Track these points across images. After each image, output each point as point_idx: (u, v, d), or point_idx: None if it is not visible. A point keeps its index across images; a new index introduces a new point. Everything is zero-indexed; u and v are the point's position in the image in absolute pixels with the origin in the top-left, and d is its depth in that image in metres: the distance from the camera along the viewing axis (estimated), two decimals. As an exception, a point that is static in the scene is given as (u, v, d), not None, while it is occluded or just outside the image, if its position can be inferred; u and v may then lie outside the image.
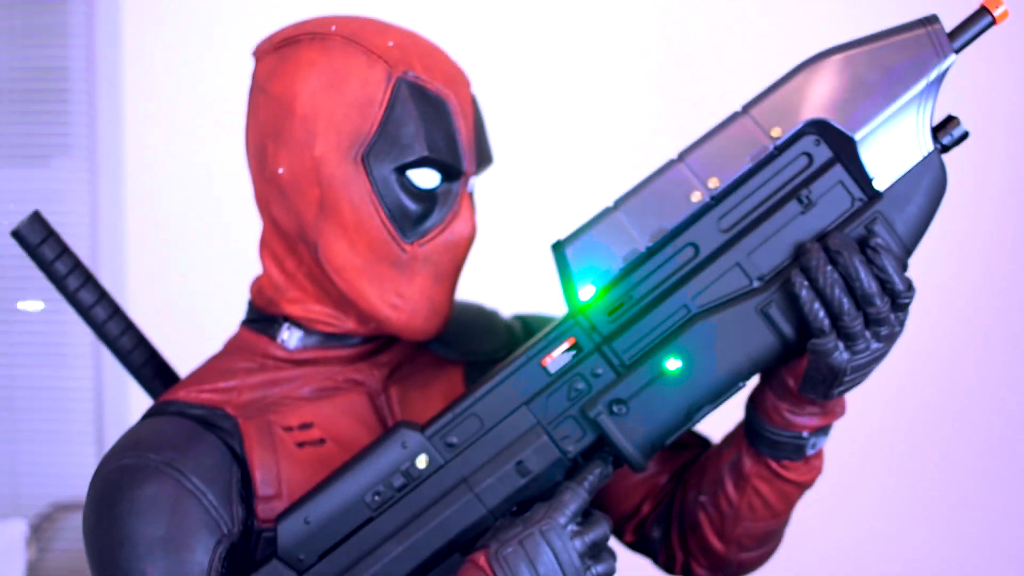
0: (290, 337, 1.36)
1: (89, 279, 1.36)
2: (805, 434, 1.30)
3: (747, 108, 1.21)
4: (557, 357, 1.24)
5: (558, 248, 1.22)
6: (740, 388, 1.21)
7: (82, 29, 3.05)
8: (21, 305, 3.11)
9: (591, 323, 1.22)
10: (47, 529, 3.05)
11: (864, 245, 1.15)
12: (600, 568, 1.16)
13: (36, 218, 1.32)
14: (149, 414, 1.34)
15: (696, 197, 1.20)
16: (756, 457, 1.35)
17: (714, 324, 1.19)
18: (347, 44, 1.28)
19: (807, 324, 1.16)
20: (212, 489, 1.25)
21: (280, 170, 1.29)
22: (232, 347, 1.41)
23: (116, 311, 1.38)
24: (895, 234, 1.17)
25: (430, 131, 1.27)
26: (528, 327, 1.56)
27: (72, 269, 1.34)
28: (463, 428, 1.25)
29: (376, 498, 1.24)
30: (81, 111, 3.06)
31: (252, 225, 2.96)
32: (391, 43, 1.28)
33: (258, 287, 1.39)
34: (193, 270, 2.95)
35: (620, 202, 1.22)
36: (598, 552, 1.18)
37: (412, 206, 1.29)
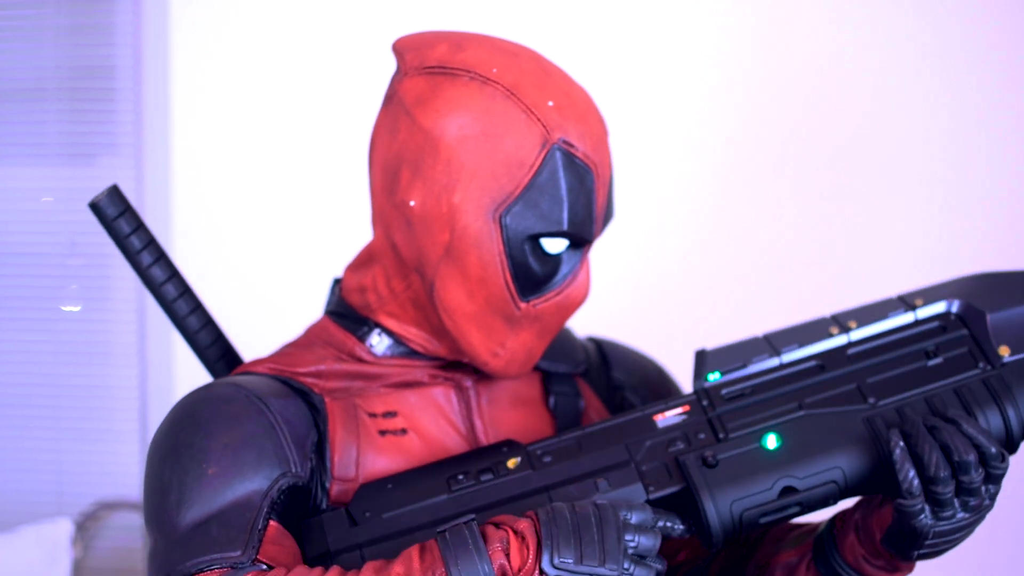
0: (379, 343, 1.37)
1: (162, 256, 1.36)
2: None
3: (900, 296, 1.33)
4: (669, 416, 1.29)
5: (701, 353, 1.32)
6: (829, 501, 1.23)
7: (129, 28, 3.06)
8: (63, 307, 3.12)
9: (710, 399, 1.29)
10: (91, 528, 3.06)
11: (965, 414, 1.19)
12: (640, 570, 1.13)
13: (114, 191, 1.32)
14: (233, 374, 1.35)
15: (835, 331, 1.31)
16: (814, 572, 1.37)
17: (819, 418, 1.25)
18: (508, 97, 1.26)
19: (897, 484, 1.18)
20: (289, 431, 1.25)
21: (412, 203, 1.28)
22: (315, 337, 1.40)
23: (186, 290, 1.38)
24: (1012, 397, 1.23)
25: (573, 204, 1.27)
26: (600, 348, 1.58)
27: (146, 245, 1.34)
28: (561, 451, 1.28)
29: (459, 479, 1.26)
30: (128, 110, 3.07)
31: (298, 223, 2.98)
32: (551, 103, 1.27)
33: (359, 286, 1.38)
34: (240, 268, 2.96)
35: (767, 333, 1.33)
36: (642, 557, 1.15)
37: (537, 269, 1.29)
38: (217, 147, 3.00)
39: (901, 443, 1.16)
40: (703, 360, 1.31)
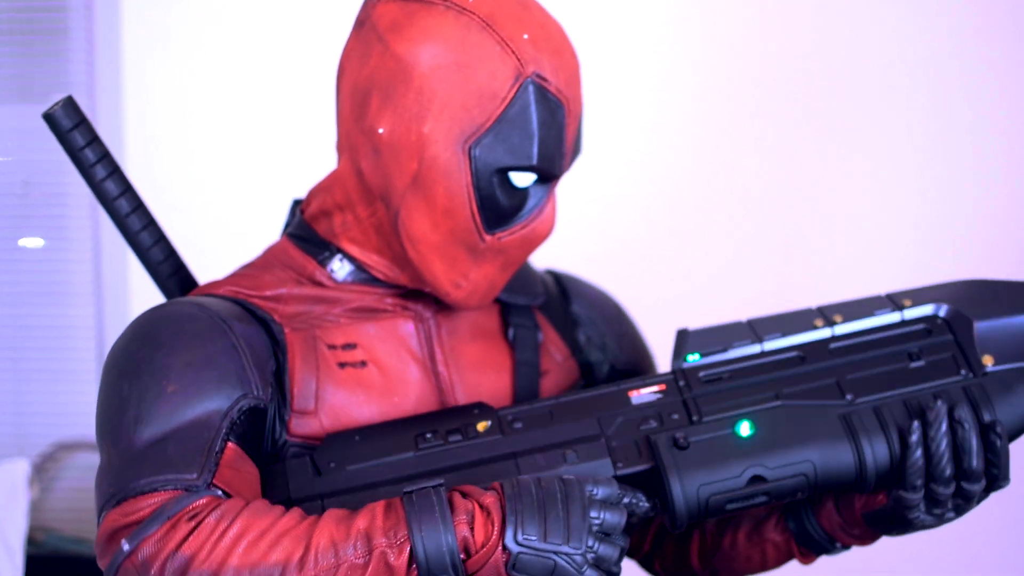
0: (340, 268, 1.36)
1: (116, 171, 1.34)
2: (839, 545, 1.36)
3: (889, 295, 1.34)
4: (644, 394, 1.29)
5: (683, 333, 1.32)
6: (797, 494, 1.23)
7: (80, -35, 3.03)
8: (22, 242, 3.09)
9: (687, 380, 1.29)
10: (50, 468, 3.05)
11: (986, 427, 1.21)
12: (603, 547, 1.13)
13: (69, 103, 1.31)
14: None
15: (819, 323, 1.31)
16: (783, 531, 1.40)
17: (795, 410, 1.25)
18: (483, 29, 1.25)
19: (903, 475, 1.21)
20: (250, 355, 1.24)
21: (380, 130, 1.27)
22: (274, 259, 1.39)
23: (139, 205, 1.37)
24: (990, 405, 1.23)
25: (544, 139, 1.27)
26: (559, 282, 1.58)
27: (101, 158, 1.33)
28: (533, 418, 1.28)
29: (427, 438, 1.26)
30: (79, 48, 3.04)
31: (252, 160, 2.96)
32: (526, 36, 1.26)
33: (322, 210, 1.37)
34: (192, 206, 2.93)
35: (751, 319, 1.33)
36: (608, 534, 1.15)
37: (504, 202, 1.29)
38: (171, 79, 2.98)
39: (918, 435, 1.19)
40: (684, 340, 1.32)
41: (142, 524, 1.10)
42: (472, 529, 1.11)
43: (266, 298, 1.33)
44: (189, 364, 1.20)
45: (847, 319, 1.31)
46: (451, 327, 1.40)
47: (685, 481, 1.20)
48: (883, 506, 1.24)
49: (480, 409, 1.30)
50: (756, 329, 1.31)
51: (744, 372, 1.29)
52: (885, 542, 2.50)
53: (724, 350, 1.30)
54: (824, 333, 1.30)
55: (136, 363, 1.21)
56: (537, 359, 1.45)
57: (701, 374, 1.29)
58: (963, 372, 1.26)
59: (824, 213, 2.80)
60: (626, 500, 1.20)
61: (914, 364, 1.27)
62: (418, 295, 1.38)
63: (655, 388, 1.29)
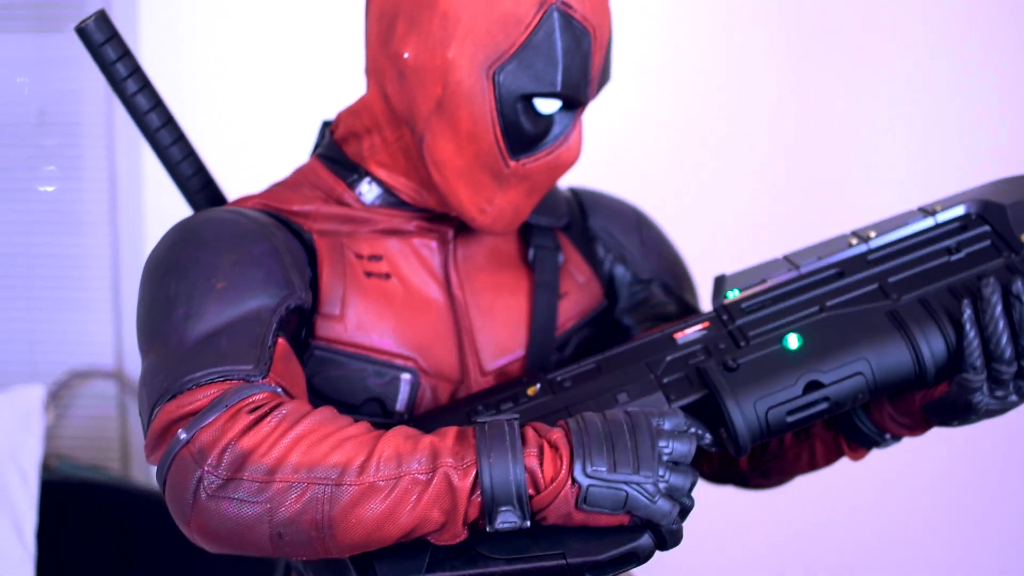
0: (369, 191, 1.37)
1: (147, 85, 1.35)
2: (888, 436, 1.35)
3: (920, 207, 1.31)
4: (689, 334, 1.29)
5: (720, 278, 1.31)
6: (858, 397, 1.21)
7: None
8: (40, 187, 3.10)
9: (729, 313, 1.28)
10: (64, 396, 3.07)
11: None
12: (675, 476, 1.10)
13: (102, 17, 1.31)
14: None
15: (854, 242, 1.29)
16: (831, 428, 1.39)
17: (840, 317, 1.24)
18: None
19: (962, 355, 1.18)
20: (290, 258, 1.26)
21: (406, 55, 1.28)
22: (303, 179, 1.40)
23: (170, 120, 1.38)
24: None
25: (568, 66, 1.26)
26: (578, 198, 1.58)
27: (132, 72, 1.34)
28: (581, 375, 1.28)
29: (479, 409, 1.27)
30: (97, -23, 3.03)
31: (280, 82, 2.94)
32: None
33: (350, 131, 1.38)
34: (217, 129, 2.92)
35: (787, 254, 1.32)
36: (677, 463, 1.12)
37: (528, 129, 1.29)
38: (184, 8, 2.97)
39: (969, 311, 1.17)
40: (722, 283, 1.31)
41: (200, 412, 1.08)
42: (541, 464, 1.08)
43: (295, 213, 1.34)
44: (236, 263, 1.20)
45: (881, 233, 1.29)
46: (468, 252, 1.42)
47: (741, 399, 1.19)
48: (945, 394, 1.22)
49: (529, 377, 1.31)
50: (792, 260, 1.30)
51: (786, 295, 1.28)
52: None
53: (763, 282, 1.29)
54: (860, 249, 1.29)
55: (182, 263, 1.20)
56: (556, 281, 1.46)
57: (743, 305, 1.28)
58: (1005, 254, 1.24)
59: (850, 145, 2.80)
60: (692, 426, 1.21)
61: (954, 257, 1.25)
62: (443, 219, 1.39)
63: (699, 327, 1.28)
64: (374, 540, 1.07)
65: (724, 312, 1.28)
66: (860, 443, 1.37)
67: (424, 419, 1.29)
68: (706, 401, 1.22)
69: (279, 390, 1.12)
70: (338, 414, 1.11)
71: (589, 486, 1.07)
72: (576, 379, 1.28)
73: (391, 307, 1.34)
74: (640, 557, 1.11)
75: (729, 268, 1.41)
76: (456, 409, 1.30)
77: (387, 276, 1.35)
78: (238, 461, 1.05)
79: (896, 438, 1.35)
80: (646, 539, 1.11)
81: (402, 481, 1.06)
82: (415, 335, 1.35)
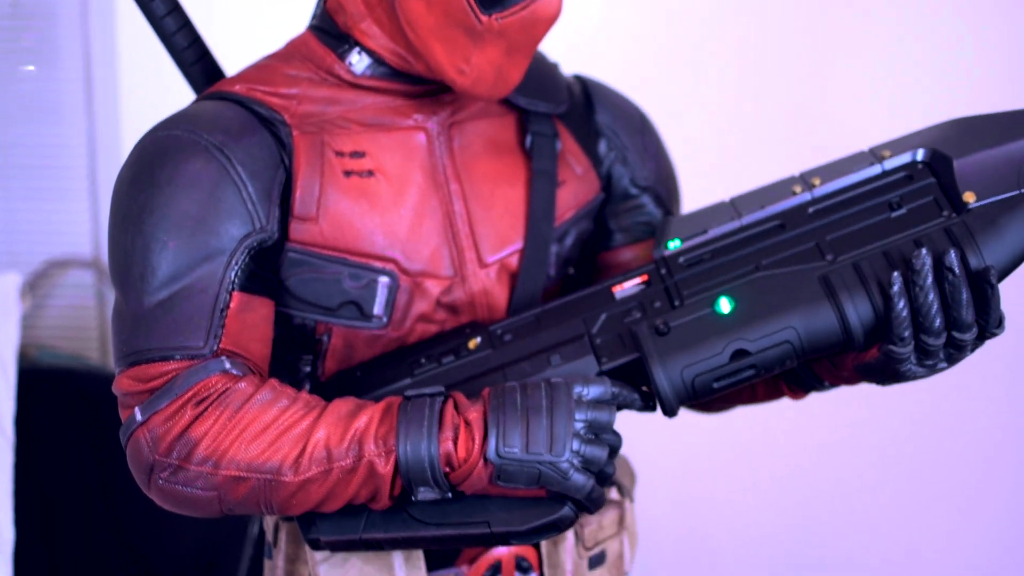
0: (359, 62, 1.35)
1: None
2: (827, 383, 1.35)
3: (871, 148, 1.29)
4: (628, 288, 1.30)
5: (664, 220, 1.32)
6: (784, 362, 1.22)
7: None
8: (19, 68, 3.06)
9: (668, 267, 1.28)
10: (42, 286, 3.06)
11: (976, 275, 1.16)
12: (590, 449, 1.16)
13: None
14: (204, 98, 1.33)
15: (798, 189, 1.28)
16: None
17: (772, 277, 1.23)
18: None
19: (889, 328, 1.17)
20: (254, 183, 1.25)
21: None
22: (295, 51, 1.38)
23: (176, 7, 1.36)
24: (973, 243, 1.18)
25: None
26: (586, 88, 1.55)
27: None
28: (521, 329, 1.30)
29: (422, 362, 1.29)
30: None
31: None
32: None
33: (338, 0, 1.36)
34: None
35: (733, 197, 1.32)
36: (598, 434, 1.18)
37: None
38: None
39: (899, 285, 1.15)
40: (665, 228, 1.31)
41: (153, 397, 1.19)
42: (456, 444, 1.16)
43: (280, 95, 1.32)
44: (187, 214, 1.22)
45: (826, 180, 1.28)
46: (464, 141, 1.40)
47: (668, 366, 1.20)
48: (873, 360, 1.22)
49: (472, 328, 1.32)
50: (738, 207, 1.30)
51: (724, 249, 1.28)
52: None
53: (704, 232, 1.29)
54: (803, 198, 1.28)
55: (136, 210, 1.23)
56: (555, 169, 1.44)
57: (682, 259, 1.29)
58: (945, 214, 1.22)
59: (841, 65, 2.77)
60: (618, 394, 1.22)
61: (895, 214, 1.24)
62: (434, 108, 1.37)
63: (638, 280, 1.29)
64: (316, 511, 1.22)
65: (663, 265, 1.29)
66: (799, 387, 1.39)
67: (370, 368, 1.31)
68: (637, 363, 1.24)
69: (227, 364, 1.20)
70: (281, 391, 1.20)
71: (502, 465, 1.15)
72: (516, 332, 1.29)
73: (372, 206, 1.32)
74: (561, 527, 1.19)
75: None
76: (401, 359, 1.31)
77: (370, 173, 1.33)
78: (185, 452, 1.17)
79: (833, 385, 1.36)
80: (566, 510, 1.19)
81: (332, 473, 1.17)
82: (398, 235, 1.33)
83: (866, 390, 2.46)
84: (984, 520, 2.83)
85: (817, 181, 1.28)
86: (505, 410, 1.16)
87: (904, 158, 1.27)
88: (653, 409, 1.25)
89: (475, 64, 1.29)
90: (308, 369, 1.35)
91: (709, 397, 1.23)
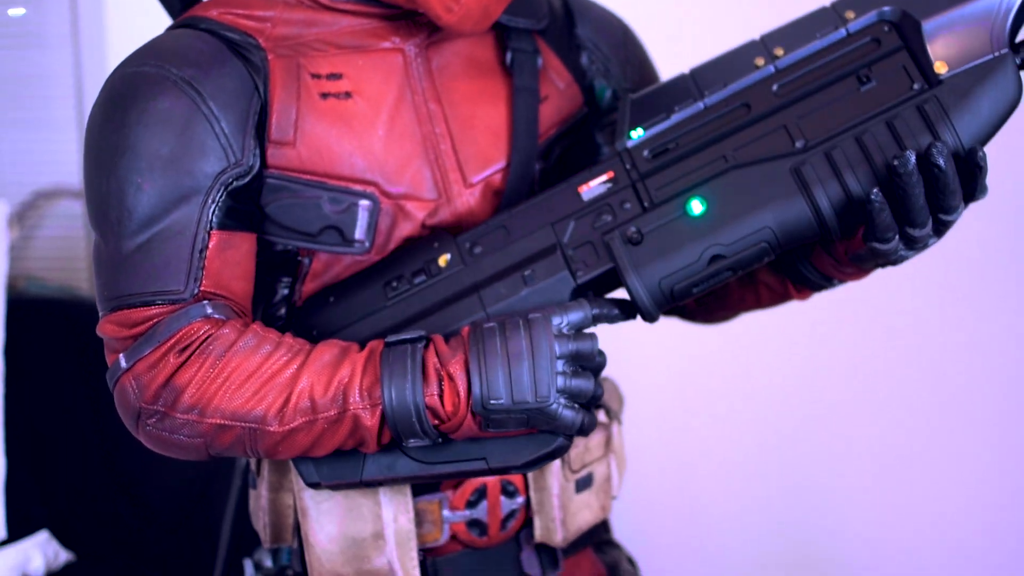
0: None
1: None
2: (835, 280, 1.35)
3: (832, 4, 1.24)
4: (594, 187, 1.27)
5: (624, 102, 1.28)
6: (764, 255, 1.20)
7: None
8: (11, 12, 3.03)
9: (633, 161, 1.25)
10: (31, 217, 3.05)
11: (967, 160, 1.13)
12: (575, 382, 1.16)
13: None
14: (177, 26, 1.31)
15: (760, 62, 1.24)
16: (776, 273, 1.39)
17: (743, 174, 1.20)
18: None
19: (873, 231, 1.15)
20: (227, 116, 1.23)
21: None
22: None
23: None
24: (948, 122, 1.14)
25: None
26: (566, 3, 1.52)
27: None
28: (491, 239, 1.27)
29: (395, 285, 1.27)
30: None
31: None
32: None
33: None
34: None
35: (694, 68, 1.27)
36: (581, 367, 1.18)
37: None
38: None
39: (879, 198, 1.13)
40: (625, 112, 1.28)
41: (136, 343, 1.19)
42: (442, 400, 1.16)
43: (255, 18, 1.29)
44: (160, 155, 1.20)
45: (789, 50, 1.24)
46: (442, 62, 1.37)
47: (645, 277, 1.20)
48: (862, 251, 1.22)
49: (439, 241, 1.29)
50: (698, 81, 1.26)
51: (689, 138, 1.25)
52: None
53: (667, 117, 1.26)
54: (767, 71, 1.24)
55: (108, 152, 1.21)
56: (536, 85, 1.42)
57: (646, 151, 1.26)
58: (916, 85, 1.18)
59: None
60: (599, 312, 1.21)
61: (864, 88, 1.20)
62: (411, 30, 1.35)
63: (604, 177, 1.26)
64: (304, 456, 1.23)
65: (628, 159, 1.26)
66: (806, 287, 1.38)
67: (343, 293, 1.29)
68: (612, 272, 1.23)
69: (209, 309, 1.20)
70: (264, 336, 1.20)
71: (489, 415, 1.15)
72: (485, 244, 1.27)
73: (350, 129, 1.30)
74: (558, 455, 1.21)
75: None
76: (373, 278, 1.29)
77: (347, 95, 1.30)
78: (171, 400, 1.17)
79: (842, 281, 1.36)
80: (561, 440, 1.20)
81: (317, 424, 1.17)
82: (377, 157, 1.31)
83: (858, 312, 2.45)
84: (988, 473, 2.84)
85: (780, 52, 1.24)
86: (486, 359, 1.15)
87: (869, 18, 1.22)
88: (633, 317, 1.25)
89: (464, 3, 1.26)
90: (286, 292, 1.33)
91: (687, 300, 1.23)
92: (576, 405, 1.17)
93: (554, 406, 1.15)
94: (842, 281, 1.35)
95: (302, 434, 1.18)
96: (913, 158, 1.12)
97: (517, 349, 1.15)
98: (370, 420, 1.17)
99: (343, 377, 1.17)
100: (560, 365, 1.16)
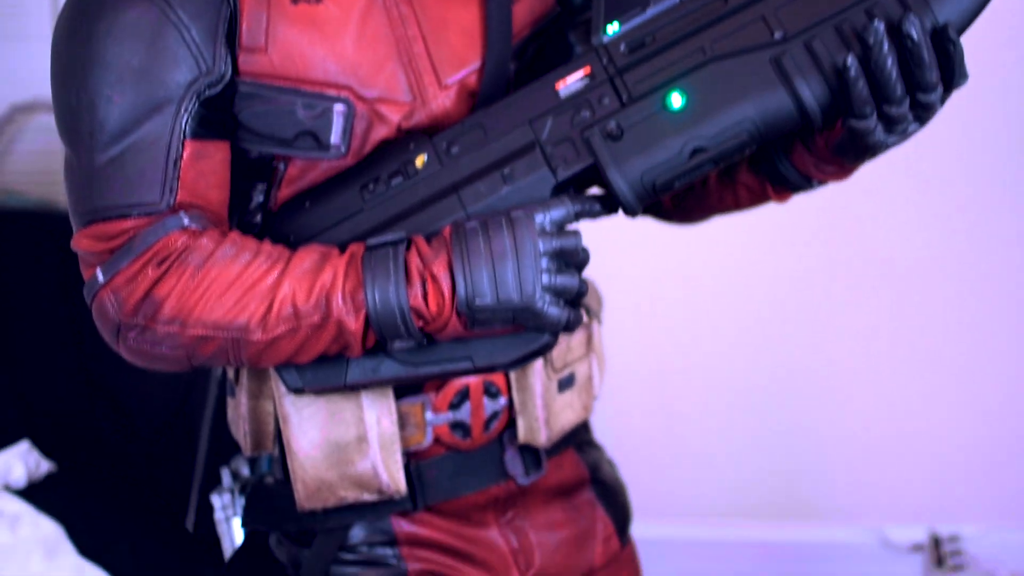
0: None
1: None
2: (815, 182, 1.34)
3: None
4: (571, 83, 1.25)
5: None
6: (746, 146, 1.19)
7: None
8: None
9: (610, 56, 1.23)
10: (8, 132, 3.04)
11: (937, 34, 1.12)
12: (560, 279, 1.17)
13: None
14: None
15: None
16: (756, 174, 1.38)
17: (723, 67, 1.19)
18: None
19: (850, 106, 1.14)
20: (197, 24, 1.22)
21: None
22: None
23: None
24: (928, 10, 1.14)
25: None
26: None
27: None
28: (468, 139, 1.26)
29: (371, 188, 1.26)
30: None
31: None
32: None
33: None
34: None
35: None
36: (566, 264, 1.18)
37: None
38: None
39: (854, 66, 1.13)
40: (599, 5, 1.26)
41: (113, 257, 1.18)
42: (426, 300, 1.17)
43: None
44: (130, 66, 1.19)
45: None
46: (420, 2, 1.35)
47: (626, 173, 1.20)
48: (841, 137, 1.22)
49: (415, 142, 1.28)
50: None
51: (667, 31, 1.23)
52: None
53: (643, 11, 1.25)
54: None
55: (77, 65, 1.20)
56: None
57: (623, 46, 1.24)
58: None
59: None
60: (579, 211, 1.21)
61: None
62: None
63: (580, 73, 1.25)
64: (288, 364, 1.24)
65: (605, 54, 1.25)
66: (785, 187, 1.37)
67: (319, 197, 1.29)
68: (593, 168, 1.22)
69: (186, 220, 1.19)
70: (242, 245, 1.20)
71: (474, 315, 1.16)
72: (463, 144, 1.26)
73: (322, 33, 1.28)
74: (544, 352, 1.22)
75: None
76: (349, 182, 1.29)
77: (318, 0, 1.30)
78: (151, 312, 1.18)
79: (822, 182, 1.35)
80: (546, 338, 1.21)
81: (300, 331, 1.18)
82: (350, 61, 1.30)
83: (852, 218, 2.43)
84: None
85: None
86: (470, 258, 1.16)
87: None
88: (615, 213, 1.25)
89: None
90: (261, 199, 1.33)
91: (669, 193, 1.23)
92: (562, 302, 1.18)
93: (540, 304, 1.16)
94: (822, 182, 1.35)
95: (285, 341, 1.19)
96: (883, 27, 1.12)
97: (501, 248, 1.16)
98: (354, 324, 1.18)
99: (325, 282, 1.18)
100: (544, 263, 1.16)
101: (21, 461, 2.47)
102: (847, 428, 2.85)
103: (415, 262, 1.18)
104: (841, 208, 2.55)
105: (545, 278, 1.16)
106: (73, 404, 2.64)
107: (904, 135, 1.20)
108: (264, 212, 1.34)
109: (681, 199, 1.49)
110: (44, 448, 2.58)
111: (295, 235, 1.28)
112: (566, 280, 1.17)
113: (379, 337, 1.19)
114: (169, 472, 2.49)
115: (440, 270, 1.17)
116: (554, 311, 1.17)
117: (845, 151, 1.24)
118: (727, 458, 2.90)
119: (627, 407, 2.81)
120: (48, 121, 2.99)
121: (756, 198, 1.42)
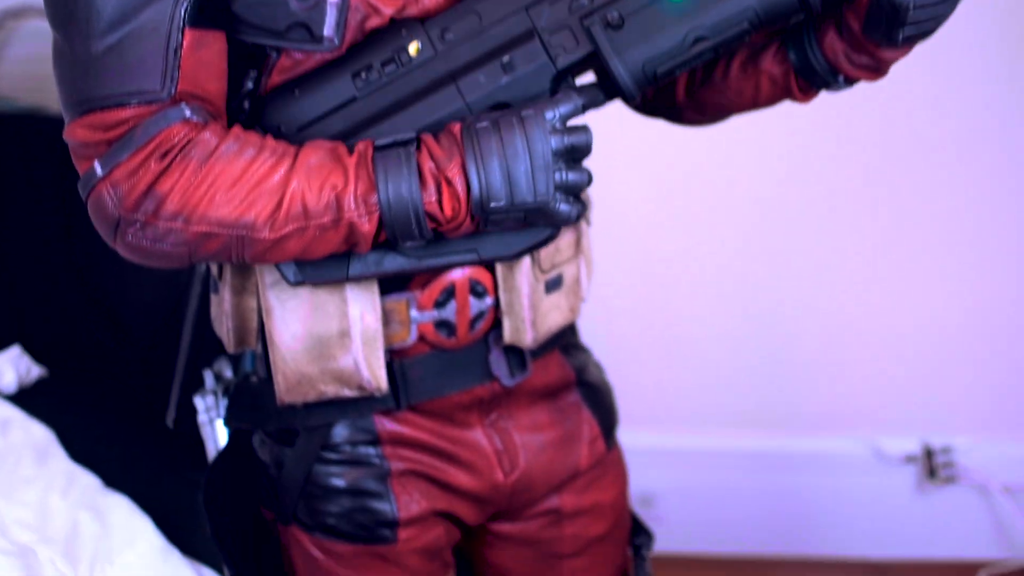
0: None
1: None
2: (841, 79, 1.31)
3: None
4: None
5: None
6: (746, 34, 1.19)
7: None
8: None
9: None
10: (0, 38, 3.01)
11: None
12: (571, 176, 1.18)
13: None
14: None
15: None
16: (782, 63, 1.35)
17: None
18: None
19: None
20: None
21: None
22: None
23: None
24: None
25: None
26: None
27: None
28: (462, 25, 1.24)
29: (364, 76, 1.24)
30: None
31: None
32: None
33: None
34: None
35: None
36: (575, 160, 1.19)
37: None
38: None
39: None
40: None
41: (112, 149, 1.16)
42: (441, 205, 1.17)
43: None
44: None
45: None
46: None
47: (628, 62, 1.19)
48: (869, 5, 1.19)
49: (407, 28, 1.26)
50: None
51: None
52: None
53: None
54: None
55: None
56: None
57: None
58: None
59: None
60: (585, 102, 1.21)
61: None
62: None
63: None
64: (293, 262, 1.24)
65: None
66: (811, 83, 1.35)
67: (308, 85, 1.27)
68: (593, 56, 1.22)
69: (187, 112, 1.17)
70: (246, 140, 1.18)
71: (489, 217, 1.17)
72: (457, 31, 1.24)
73: None
74: (547, 243, 1.24)
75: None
76: (338, 69, 1.26)
77: None
78: (153, 207, 1.16)
79: (849, 81, 1.33)
80: (550, 231, 1.23)
81: (309, 230, 1.18)
82: None
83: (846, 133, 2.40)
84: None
85: None
86: (484, 161, 1.16)
87: None
88: (613, 99, 1.26)
89: None
90: (251, 85, 1.31)
91: (669, 80, 1.24)
92: (571, 198, 1.19)
93: (553, 203, 1.17)
94: (849, 80, 1.33)
95: (293, 240, 1.18)
96: None
97: (514, 149, 1.16)
98: (367, 226, 1.18)
99: (336, 183, 1.17)
100: (556, 162, 1.17)
101: (12, 366, 2.47)
102: (841, 338, 2.85)
103: (428, 164, 1.17)
104: (836, 115, 2.52)
105: (557, 176, 1.17)
106: (65, 309, 2.64)
107: (935, 11, 1.17)
108: (252, 99, 1.32)
109: (696, 89, 1.46)
110: (35, 353, 2.58)
111: (286, 125, 1.26)
112: (576, 176, 1.18)
113: (391, 237, 1.19)
114: (161, 377, 2.48)
115: (455, 174, 1.17)
116: (565, 208, 1.19)
117: (876, 23, 1.21)
118: (717, 366, 2.90)
119: (616, 312, 2.80)
120: (40, 27, 2.96)
121: (778, 92, 1.40)
